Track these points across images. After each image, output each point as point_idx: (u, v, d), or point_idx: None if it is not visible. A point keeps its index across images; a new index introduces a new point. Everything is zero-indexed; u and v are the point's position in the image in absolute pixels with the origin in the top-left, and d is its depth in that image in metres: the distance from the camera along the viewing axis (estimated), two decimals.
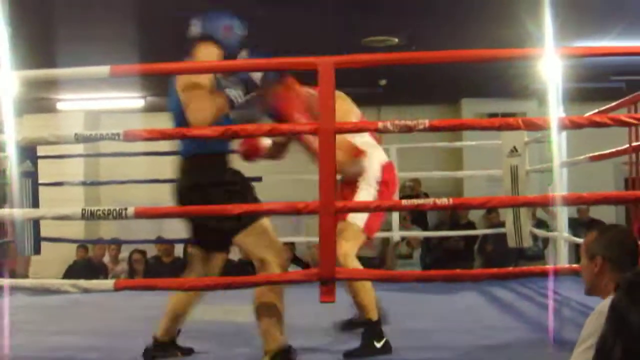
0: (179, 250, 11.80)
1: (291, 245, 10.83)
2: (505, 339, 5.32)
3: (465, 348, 5.02)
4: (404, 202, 5.72)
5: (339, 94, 4.97)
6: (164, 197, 10.53)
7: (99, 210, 4.73)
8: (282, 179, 10.43)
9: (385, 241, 10.92)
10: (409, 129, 4.51)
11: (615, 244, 3.07)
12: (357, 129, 4.74)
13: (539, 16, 6.05)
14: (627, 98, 6.62)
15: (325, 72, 4.43)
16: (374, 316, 5.01)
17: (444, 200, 4.57)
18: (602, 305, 2.95)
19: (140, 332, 5.71)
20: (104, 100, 11.57)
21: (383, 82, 10.56)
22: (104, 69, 4.71)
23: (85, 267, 10.60)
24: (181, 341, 5.16)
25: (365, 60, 5.21)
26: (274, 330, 4.59)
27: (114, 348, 5.31)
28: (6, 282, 5.56)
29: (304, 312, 5.55)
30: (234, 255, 11.33)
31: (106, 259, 11.45)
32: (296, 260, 10.88)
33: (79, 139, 4.81)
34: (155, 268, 10.98)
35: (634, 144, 6.23)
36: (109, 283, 5.05)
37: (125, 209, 4.57)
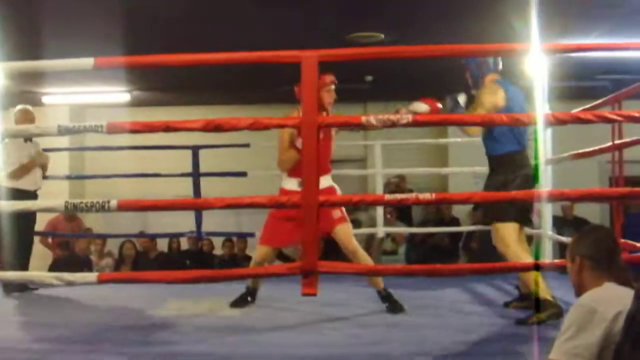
0: (163, 245, 11.80)
1: None
2: (488, 334, 5.34)
3: (449, 343, 5.03)
4: (387, 196, 5.72)
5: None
6: (149, 190, 10.60)
7: (82, 202, 4.73)
8: (267, 175, 10.45)
9: (370, 237, 10.92)
10: (392, 124, 4.53)
11: (593, 244, 3.17)
12: (341, 123, 4.74)
13: (526, 13, 6.06)
14: (611, 96, 6.66)
15: (308, 65, 4.44)
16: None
17: (426, 195, 4.59)
18: (582, 298, 3.02)
19: (124, 324, 5.74)
20: (89, 95, 11.53)
21: (369, 78, 10.55)
22: (88, 61, 4.72)
23: (69, 261, 10.55)
24: (168, 335, 5.17)
25: (348, 54, 5.25)
26: None
27: (100, 339, 5.30)
28: None
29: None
30: (219, 250, 11.38)
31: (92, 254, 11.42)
32: (282, 257, 10.87)
33: (61, 131, 4.80)
34: (140, 262, 10.98)
35: (617, 141, 6.27)
36: (92, 276, 5.06)
37: (108, 202, 4.58)
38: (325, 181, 6.02)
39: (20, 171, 7.77)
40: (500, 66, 6.14)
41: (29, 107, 8.09)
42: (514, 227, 5.79)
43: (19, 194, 7.33)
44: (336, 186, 6.40)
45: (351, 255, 6.11)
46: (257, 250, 6.39)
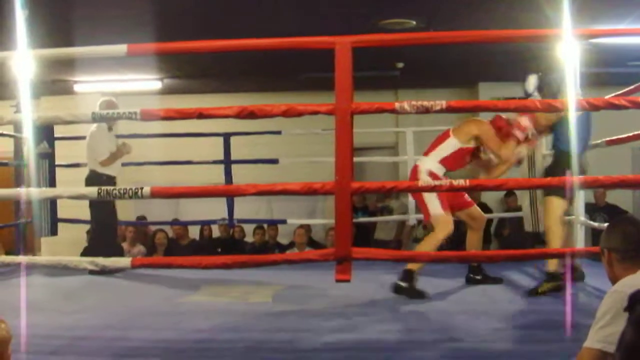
0: (195, 233, 11.84)
1: (307, 228, 10.83)
2: (521, 322, 5.32)
3: (481, 330, 5.01)
4: (420, 183, 5.71)
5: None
6: (180, 178, 10.64)
7: (115, 189, 4.75)
8: (298, 162, 10.45)
9: (402, 224, 10.90)
10: (426, 110, 4.51)
11: (621, 237, 3.16)
12: (374, 110, 4.72)
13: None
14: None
15: (342, 51, 4.43)
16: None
17: (460, 182, 4.57)
18: (616, 285, 2.99)
19: (158, 310, 5.78)
20: (121, 83, 11.57)
21: (400, 65, 10.52)
22: (121, 48, 4.72)
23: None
24: (200, 321, 5.19)
25: (381, 40, 5.22)
26: None
27: (131, 326, 5.33)
28: (24, 259, 5.59)
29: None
30: (250, 237, 11.41)
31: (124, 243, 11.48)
32: (313, 243, 10.89)
33: (96, 118, 4.83)
34: (172, 250, 11.02)
35: None
36: (126, 260, 5.08)
37: (142, 189, 4.60)
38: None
39: (111, 159, 8.27)
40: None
41: (113, 99, 8.39)
42: (562, 204, 6.37)
43: (108, 180, 8.02)
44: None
45: (476, 235, 6.87)
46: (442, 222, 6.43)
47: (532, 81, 6.44)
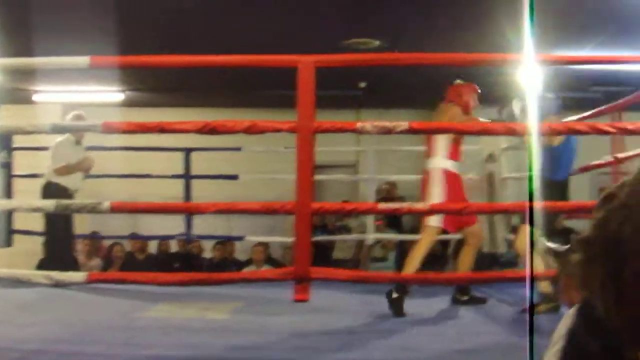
0: (153, 247, 11.76)
1: (265, 246, 10.80)
2: (477, 343, 5.32)
3: (437, 352, 5.01)
4: (380, 205, 5.72)
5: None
6: (139, 191, 10.57)
7: (74, 203, 4.71)
8: (258, 179, 10.42)
9: (360, 243, 10.90)
10: (388, 131, 4.53)
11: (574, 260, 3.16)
12: (337, 129, 4.73)
13: (520, 24, 6.06)
14: (609, 105, 6.65)
15: (305, 70, 4.43)
16: None
17: (420, 205, 4.58)
18: (572, 309, 2.99)
19: (111, 325, 5.71)
20: (82, 93, 11.49)
21: (363, 84, 10.54)
22: (84, 59, 4.70)
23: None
24: (155, 338, 5.14)
25: (344, 60, 5.24)
26: None
27: (85, 340, 5.27)
28: None
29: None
30: (208, 253, 11.35)
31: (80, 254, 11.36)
32: (271, 261, 10.85)
33: (56, 129, 4.78)
34: (130, 264, 10.93)
35: (618, 155, 6.28)
36: (81, 275, 5.03)
37: (100, 203, 4.56)
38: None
39: (65, 169, 8.16)
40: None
41: (83, 113, 8.43)
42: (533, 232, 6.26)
43: (58, 190, 7.81)
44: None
45: (471, 252, 6.73)
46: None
47: (517, 104, 6.49)
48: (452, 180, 6.26)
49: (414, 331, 5.76)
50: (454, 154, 6.52)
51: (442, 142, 6.49)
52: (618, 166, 6.73)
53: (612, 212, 1.32)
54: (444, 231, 6.65)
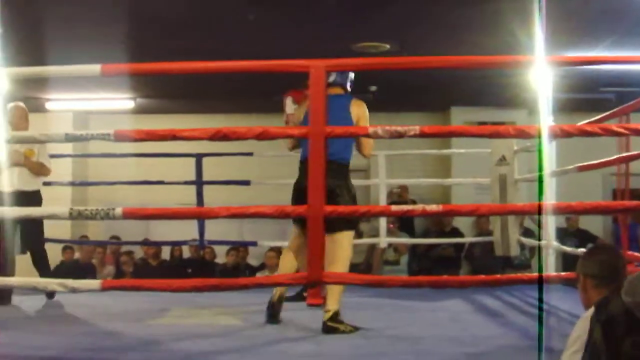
0: (165, 252, 11.78)
1: (279, 251, 10.80)
2: (490, 346, 5.31)
3: (450, 355, 5.00)
4: (393, 207, 5.72)
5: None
6: (152, 198, 10.59)
7: (87, 210, 4.71)
8: (271, 184, 10.41)
9: (372, 247, 10.89)
10: (399, 135, 4.51)
11: (597, 264, 3.27)
12: (348, 134, 4.73)
13: (530, 25, 6.05)
14: (618, 108, 6.62)
15: (316, 75, 4.43)
16: None
17: (433, 207, 4.57)
18: (588, 311, 3.02)
19: (125, 331, 5.72)
20: (93, 101, 11.53)
21: (373, 88, 10.53)
22: (95, 68, 4.71)
23: (72, 268, 10.52)
24: (169, 344, 5.15)
25: (356, 64, 5.24)
26: None
27: (100, 348, 5.28)
28: None
29: None
30: (221, 259, 11.36)
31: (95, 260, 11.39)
32: None
33: (69, 138, 4.79)
34: (143, 270, 10.95)
35: (624, 154, 6.24)
36: (95, 283, 5.04)
37: (113, 209, 4.56)
38: None
39: None
40: None
41: (21, 103, 7.66)
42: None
43: None
44: None
45: None
46: None
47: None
48: None
49: (422, 335, 5.77)
50: None
51: None
52: (626, 166, 6.68)
53: None
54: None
